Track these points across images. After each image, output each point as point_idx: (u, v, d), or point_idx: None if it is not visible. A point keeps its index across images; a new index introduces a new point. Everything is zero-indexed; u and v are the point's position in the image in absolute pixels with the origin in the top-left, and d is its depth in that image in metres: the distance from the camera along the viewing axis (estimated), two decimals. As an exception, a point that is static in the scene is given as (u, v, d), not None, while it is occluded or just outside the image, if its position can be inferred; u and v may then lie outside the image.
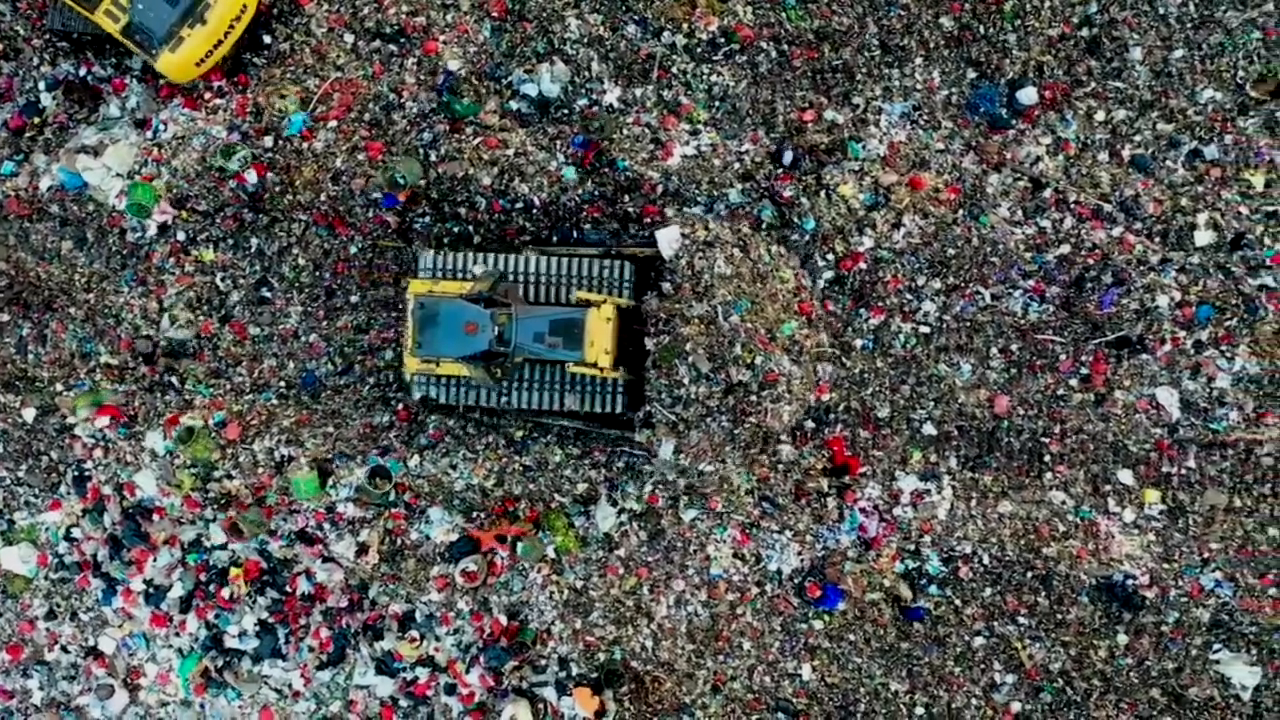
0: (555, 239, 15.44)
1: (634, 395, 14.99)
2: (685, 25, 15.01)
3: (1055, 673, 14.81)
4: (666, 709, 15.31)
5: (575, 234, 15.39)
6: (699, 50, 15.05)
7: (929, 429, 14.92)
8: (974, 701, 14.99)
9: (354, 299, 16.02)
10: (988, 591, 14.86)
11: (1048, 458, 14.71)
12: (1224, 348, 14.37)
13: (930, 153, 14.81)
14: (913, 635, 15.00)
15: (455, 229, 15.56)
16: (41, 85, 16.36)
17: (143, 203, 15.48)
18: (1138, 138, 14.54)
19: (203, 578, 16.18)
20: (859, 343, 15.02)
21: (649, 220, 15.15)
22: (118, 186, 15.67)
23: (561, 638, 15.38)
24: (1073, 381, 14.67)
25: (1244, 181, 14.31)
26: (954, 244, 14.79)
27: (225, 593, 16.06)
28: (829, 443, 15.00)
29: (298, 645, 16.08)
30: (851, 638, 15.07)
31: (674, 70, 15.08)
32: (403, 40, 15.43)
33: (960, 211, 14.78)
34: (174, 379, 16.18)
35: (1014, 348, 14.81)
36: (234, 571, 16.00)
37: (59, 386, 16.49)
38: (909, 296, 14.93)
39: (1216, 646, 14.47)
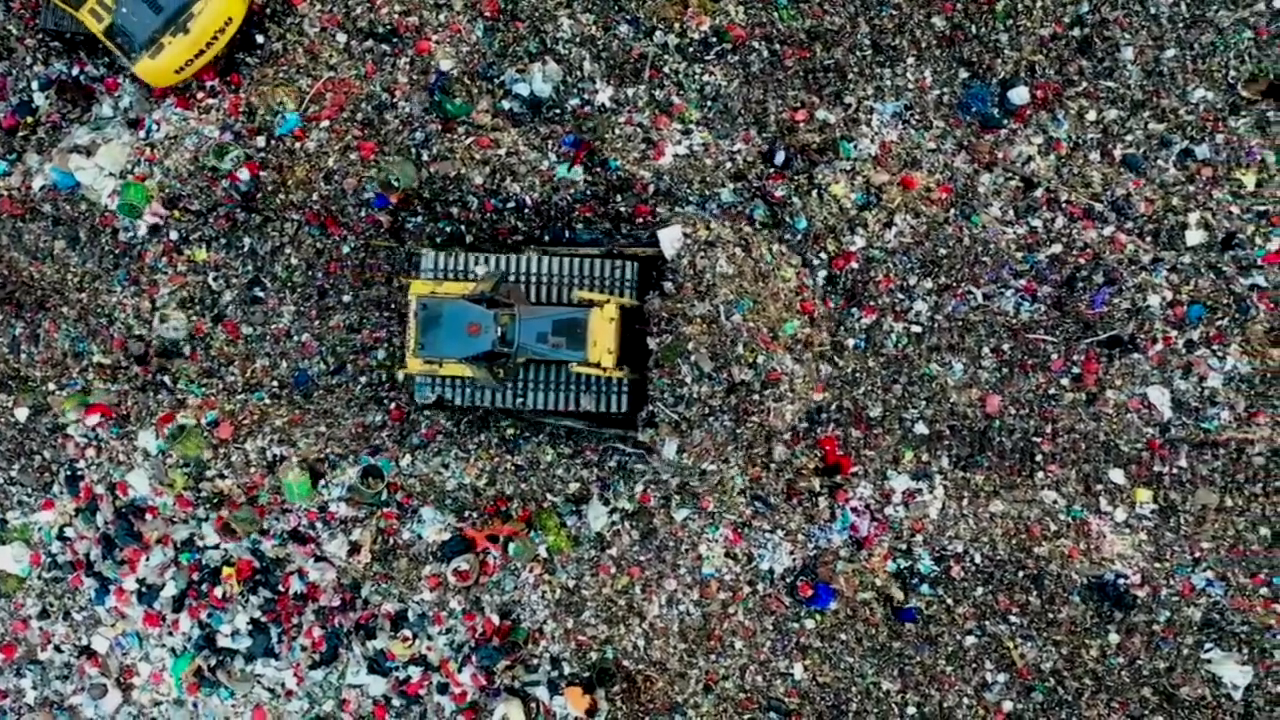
0: (547, 238, 15.45)
1: (637, 395, 15.00)
2: (677, 25, 15.02)
3: (1047, 672, 14.82)
4: (659, 708, 15.32)
5: (567, 233, 15.41)
6: (691, 50, 15.06)
7: (921, 428, 14.93)
8: (966, 701, 15.00)
9: (346, 298, 16.03)
10: (979, 591, 14.87)
11: (1039, 457, 14.73)
12: (1215, 347, 14.38)
13: (922, 152, 14.82)
14: (904, 635, 15.01)
15: (447, 229, 15.57)
16: (34, 85, 16.35)
17: (134, 203, 15.49)
18: (1129, 137, 14.55)
19: (195, 577, 16.19)
20: (851, 342, 15.04)
21: (641, 220, 15.17)
22: (110, 186, 15.68)
23: (554, 637, 15.39)
24: (1064, 381, 14.69)
25: (1235, 181, 14.33)
26: (946, 243, 14.80)
27: (218, 592, 16.07)
28: (821, 442, 15.01)
29: (290, 644, 16.09)
30: (843, 637, 15.08)
31: (666, 70, 15.09)
32: (395, 40, 15.43)
33: (952, 211, 14.79)
34: (166, 378, 16.19)
35: (1005, 347, 14.82)
36: (226, 571, 16.01)
37: (52, 386, 16.49)
38: (901, 296, 14.94)
39: (1208, 646, 14.48)
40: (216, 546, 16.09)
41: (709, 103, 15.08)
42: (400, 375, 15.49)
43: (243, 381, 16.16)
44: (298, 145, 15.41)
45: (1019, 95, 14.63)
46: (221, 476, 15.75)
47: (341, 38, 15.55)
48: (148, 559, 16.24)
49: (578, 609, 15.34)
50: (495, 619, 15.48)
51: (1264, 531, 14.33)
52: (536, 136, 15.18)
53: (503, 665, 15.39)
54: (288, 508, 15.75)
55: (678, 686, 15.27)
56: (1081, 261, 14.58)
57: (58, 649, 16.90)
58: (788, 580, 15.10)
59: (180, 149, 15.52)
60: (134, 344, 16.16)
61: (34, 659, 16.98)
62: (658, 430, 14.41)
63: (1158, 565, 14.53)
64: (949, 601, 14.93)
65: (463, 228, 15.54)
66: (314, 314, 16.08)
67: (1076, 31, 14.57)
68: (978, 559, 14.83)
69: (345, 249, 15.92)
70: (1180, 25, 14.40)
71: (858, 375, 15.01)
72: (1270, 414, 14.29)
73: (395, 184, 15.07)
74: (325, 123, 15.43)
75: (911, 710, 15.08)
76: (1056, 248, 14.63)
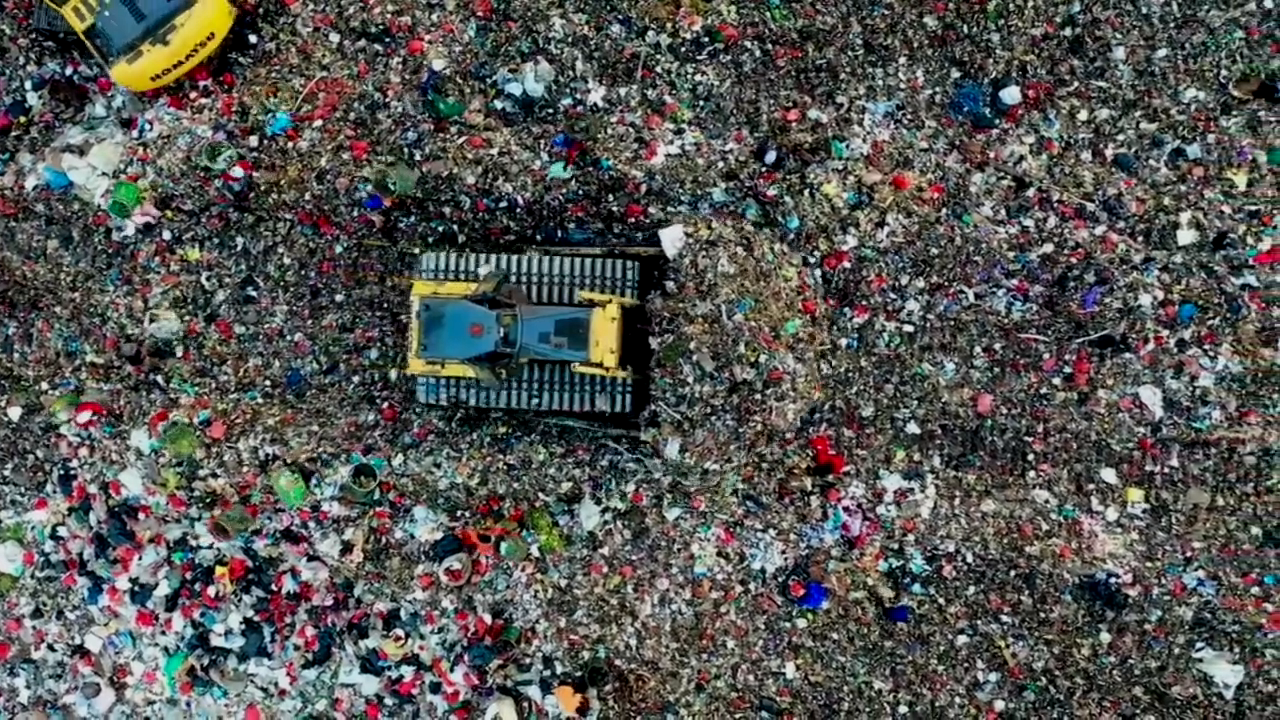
0: (540, 238, 15.46)
1: (639, 394, 15.01)
2: (669, 24, 15.03)
3: (1038, 671, 14.83)
4: (651, 707, 15.33)
5: (560, 233, 15.42)
6: (683, 49, 15.07)
7: (912, 428, 14.94)
8: (957, 700, 15.01)
9: (339, 298, 16.05)
10: (971, 590, 14.88)
11: (1031, 456, 14.74)
12: (1207, 347, 14.39)
13: (914, 152, 14.84)
14: (896, 634, 15.02)
15: (440, 228, 15.58)
16: (28, 85, 16.37)
17: (124, 202, 15.50)
18: (1121, 137, 14.56)
19: (188, 576, 16.20)
20: (843, 341, 15.05)
21: (634, 220, 15.18)
22: (103, 186, 15.69)
23: (546, 636, 15.40)
24: (1056, 380, 14.70)
25: (1226, 181, 14.34)
26: (937, 243, 14.82)
27: (211, 591, 16.08)
28: (813, 441, 15.02)
29: (283, 644, 16.11)
30: (835, 636, 15.09)
31: (658, 69, 15.09)
32: (388, 39, 15.44)
33: (944, 210, 14.80)
34: (159, 378, 16.20)
35: (997, 347, 14.83)
36: (219, 570, 16.02)
37: (44, 385, 16.51)
38: (893, 295, 14.95)
39: (1199, 645, 14.49)
40: (209, 546, 16.09)
41: (701, 102, 15.09)
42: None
43: (235, 381, 16.17)
44: (290, 145, 15.41)
45: (1011, 95, 14.64)
46: (214, 476, 15.76)
47: (334, 37, 15.56)
48: (141, 558, 16.26)
49: (570, 608, 15.35)
50: (487, 618, 15.49)
51: (1255, 531, 14.34)
52: (529, 136, 15.19)
53: (495, 664, 15.39)
54: (280, 507, 15.76)
55: (670, 685, 15.29)
56: (1073, 261, 14.59)
57: (51, 648, 16.91)
58: (780, 579, 15.11)
59: (173, 148, 15.52)
60: (127, 344, 16.18)
61: (27, 658, 16.99)
62: (660, 430, 14.41)
63: (1149, 564, 14.54)
64: (941, 601, 14.95)
65: (455, 227, 15.55)
66: (306, 313, 16.10)
67: (1068, 31, 14.58)
68: (969, 558, 14.85)
69: (338, 248, 15.94)
70: (1172, 25, 14.41)
71: (850, 375, 15.03)
72: (1261, 414, 14.30)
73: (393, 188, 15.08)
74: (318, 122, 15.44)
75: (903, 709, 15.09)
76: (1048, 247, 14.64)
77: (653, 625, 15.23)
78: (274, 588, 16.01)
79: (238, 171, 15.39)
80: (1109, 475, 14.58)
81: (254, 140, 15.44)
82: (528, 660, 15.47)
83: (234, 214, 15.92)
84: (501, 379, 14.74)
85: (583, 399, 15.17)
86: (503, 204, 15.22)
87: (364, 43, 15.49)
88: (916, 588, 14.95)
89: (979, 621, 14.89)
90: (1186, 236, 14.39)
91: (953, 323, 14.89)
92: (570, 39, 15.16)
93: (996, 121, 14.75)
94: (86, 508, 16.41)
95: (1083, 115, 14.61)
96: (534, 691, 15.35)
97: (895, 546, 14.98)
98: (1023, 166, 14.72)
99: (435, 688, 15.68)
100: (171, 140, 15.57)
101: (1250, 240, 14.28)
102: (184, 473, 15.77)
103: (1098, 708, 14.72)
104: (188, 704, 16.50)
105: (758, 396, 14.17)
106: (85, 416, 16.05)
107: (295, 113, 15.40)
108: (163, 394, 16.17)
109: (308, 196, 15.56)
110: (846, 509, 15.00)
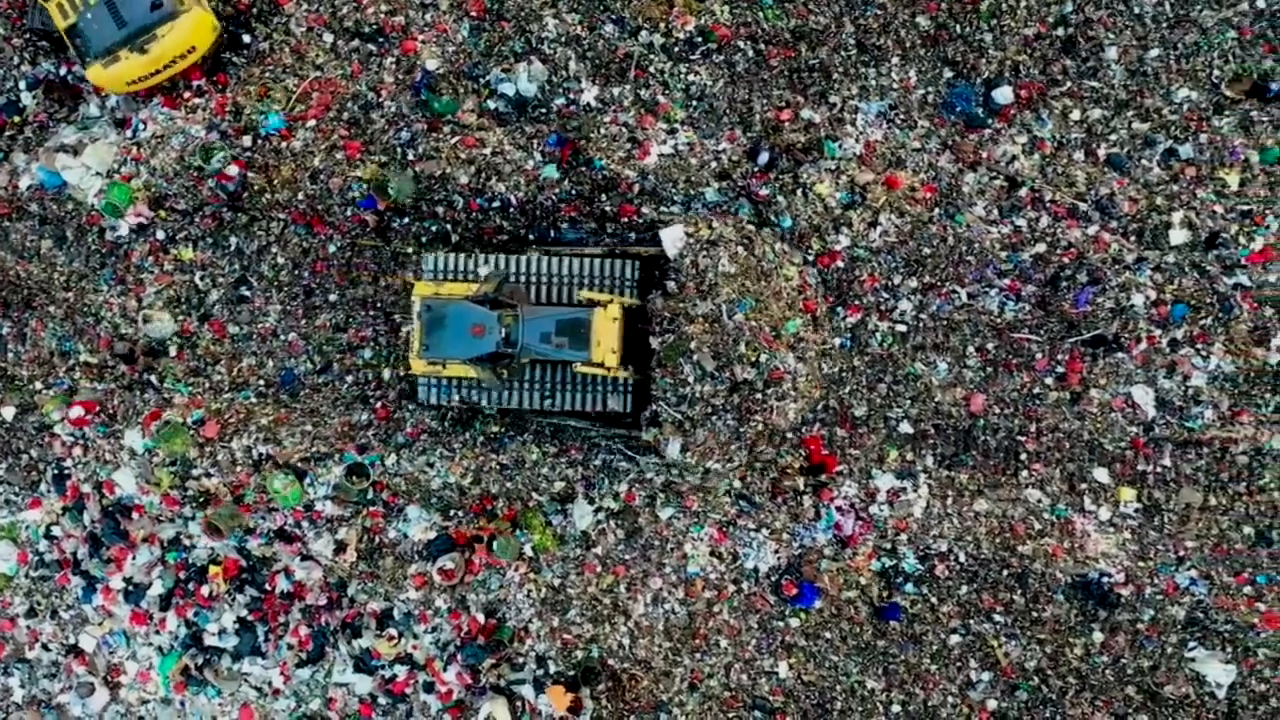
0: (533, 238, 15.47)
1: (640, 394, 15.02)
2: (663, 24, 15.04)
3: (1031, 670, 14.83)
4: (644, 707, 15.34)
5: (553, 233, 15.42)
6: (676, 49, 15.08)
7: (905, 427, 14.95)
8: (950, 699, 15.01)
9: (332, 298, 16.06)
10: (964, 589, 14.89)
11: (1023, 456, 14.75)
12: (1199, 346, 14.40)
13: (906, 152, 14.84)
14: (889, 633, 15.02)
15: (433, 228, 15.58)
16: (22, 84, 16.38)
17: (116, 203, 15.51)
18: (1113, 137, 14.57)
19: (182, 575, 16.21)
20: (837, 341, 15.05)
21: (626, 220, 15.18)
22: (97, 185, 15.70)
23: (539, 635, 15.40)
24: (1048, 380, 14.71)
25: (1219, 180, 14.35)
26: (930, 243, 14.82)
27: (205, 590, 16.08)
28: (806, 441, 15.03)
29: (277, 643, 16.11)
30: (828, 635, 15.10)
31: (651, 69, 15.10)
32: (381, 40, 15.46)
33: (936, 210, 14.81)
34: (153, 377, 16.21)
35: (990, 346, 14.84)
36: (213, 569, 16.02)
37: (38, 385, 16.51)
38: (886, 295, 14.96)
39: (1192, 644, 14.50)
40: (203, 545, 16.08)
41: (694, 102, 15.10)
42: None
43: (229, 380, 16.19)
44: (284, 145, 15.42)
45: (1003, 95, 14.65)
46: (208, 475, 15.77)
47: (328, 37, 15.57)
48: (134, 558, 16.26)
49: (563, 607, 15.36)
50: (481, 617, 15.50)
51: (1247, 530, 14.35)
52: (522, 136, 15.20)
53: (488, 664, 15.40)
54: (274, 506, 15.76)
55: (663, 685, 15.29)
56: (1065, 261, 14.60)
57: (45, 647, 16.92)
58: (772, 579, 15.12)
59: (166, 148, 15.53)
60: (120, 343, 16.18)
61: (22, 658, 17.00)
62: (661, 430, 14.41)
63: (1142, 564, 14.54)
64: (933, 600, 14.95)
65: (448, 227, 15.56)
66: (300, 313, 16.11)
67: (1061, 31, 14.59)
68: (962, 558, 14.85)
69: (331, 248, 15.95)
70: (1164, 25, 14.42)
71: (843, 374, 15.03)
72: (1254, 413, 14.31)
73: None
74: (311, 122, 15.45)
75: (896, 709, 15.10)
76: (1041, 247, 14.65)
77: (646, 625, 15.24)
78: (268, 587, 16.02)
79: (233, 170, 15.39)
80: (1101, 475, 14.59)
81: (247, 140, 15.44)
82: (521, 660, 15.48)
83: (227, 214, 15.94)
84: (503, 379, 14.75)
85: (584, 399, 15.18)
86: (496, 204, 15.23)
87: (357, 43, 15.51)
88: (909, 587, 14.95)
89: (972, 621, 14.90)
90: (1179, 236, 14.40)
91: (945, 322, 14.89)
92: (563, 39, 15.17)
93: (989, 121, 14.76)
94: (80, 507, 16.41)
95: (1075, 115, 14.61)
96: (527, 691, 15.36)
97: (888, 546, 14.98)
98: (1015, 166, 14.72)
99: (429, 687, 15.69)
100: (165, 140, 15.58)
101: (1242, 240, 14.29)
102: (178, 472, 15.77)
103: (1090, 707, 14.73)
104: (182, 703, 16.50)
105: (759, 396, 14.16)
106: (77, 413, 16.04)
107: (289, 112, 15.41)
108: (156, 393, 16.18)
109: (301, 196, 15.57)
110: (839, 508, 15.00)
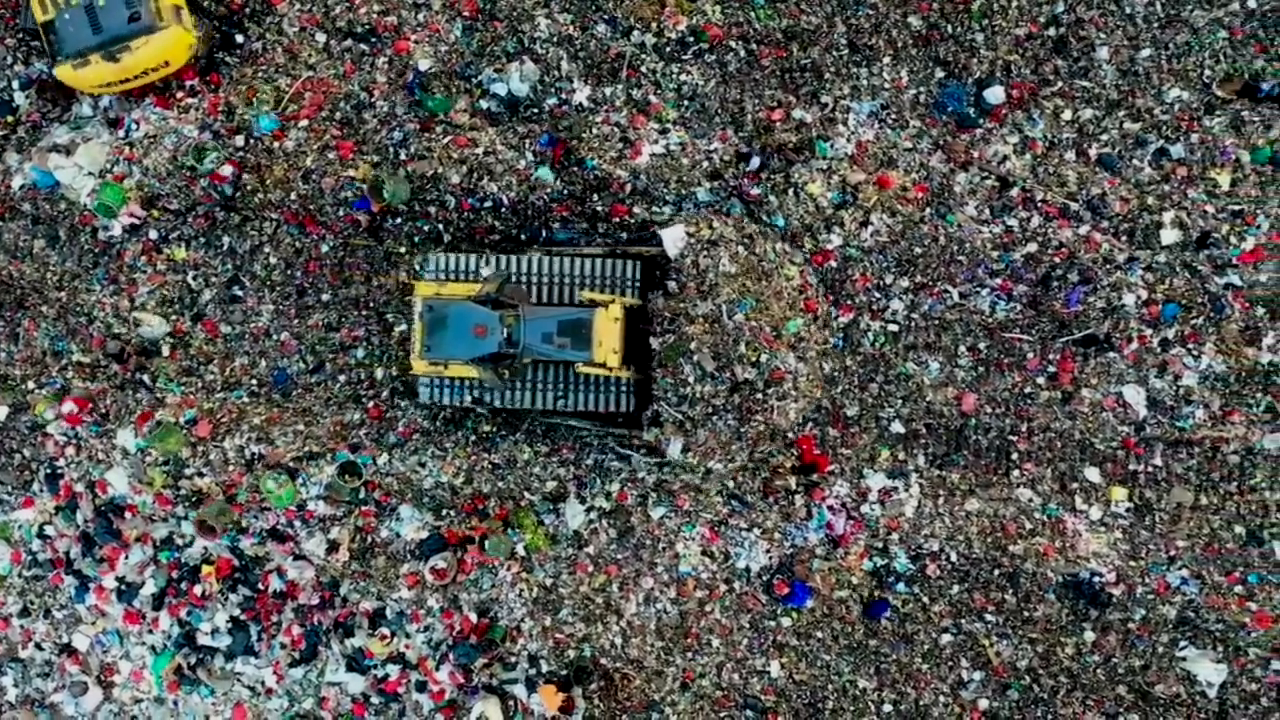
0: (525, 238, 15.48)
1: (642, 394, 15.03)
2: (654, 24, 15.05)
3: (1022, 670, 14.85)
4: (636, 706, 15.35)
5: (545, 233, 15.44)
6: (668, 49, 15.09)
7: (897, 427, 14.97)
8: (942, 699, 15.03)
9: (325, 297, 16.06)
10: (955, 589, 14.90)
11: (1015, 455, 14.77)
12: (1190, 346, 14.41)
13: (898, 151, 14.86)
14: (880, 633, 15.04)
15: (426, 228, 15.59)
16: (15, 84, 16.38)
17: (109, 203, 15.51)
18: (1104, 136, 14.58)
19: (175, 575, 16.22)
20: (830, 341, 15.06)
21: (618, 220, 15.20)
22: (89, 185, 15.70)
23: (531, 635, 15.42)
24: (1040, 380, 14.72)
25: (1210, 180, 14.37)
26: (921, 242, 14.84)
27: (198, 590, 16.09)
28: (798, 440, 15.04)
29: (270, 642, 16.12)
30: (819, 635, 15.11)
31: (643, 69, 15.12)
32: (374, 39, 15.47)
33: (928, 210, 14.83)
34: (145, 377, 16.22)
35: (981, 346, 14.85)
36: (206, 569, 16.03)
37: (31, 385, 16.52)
38: (877, 295, 14.98)
39: (1183, 644, 14.52)
40: (196, 544, 16.09)
41: (686, 102, 15.12)
42: (379, 375, 15.51)
43: (222, 380, 16.19)
44: (276, 144, 15.43)
45: (995, 95, 14.67)
46: (200, 475, 15.78)
47: (321, 37, 15.58)
48: (127, 557, 16.27)
49: (555, 607, 15.37)
50: (473, 617, 15.51)
51: (1238, 530, 14.37)
52: (514, 136, 15.22)
53: (480, 663, 15.41)
54: (266, 506, 15.78)
55: (655, 684, 15.31)
56: (1057, 260, 14.62)
57: (38, 647, 16.93)
58: (764, 578, 15.14)
59: (159, 148, 15.54)
60: (113, 342, 16.19)
61: (15, 657, 17.01)
62: (663, 430, 14.42)
63: (1133, 563, 14.56)
64: (925, 600, 14.97)
65: (441, 227, 15.57)
66: (293, 312, 16.12)
67: (1052, 31, 14.61)
68: (953, 557, 14.87)
69: (324, 248, 15.95)
70: (1155, 25, 14.44)
71: (835, 374, 15.05)
72: (1245, 413, 14.33)
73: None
74: (304, 122, 15.46)
75: (888, 708, 15.12)
76: (1032, 247, 14.67)
77: (638, 624, 15.25)
78: (260, 586, 16.03)
79: (227, 171, 15.39)
80: (1093, 474, 14.61)
81: (240, 140, 15.45)
82: (513, 659, 15.49)
83: (220, 213, 15.94)
84: (504, 380, 14.75)
85: (586, 399, 15.18)
86: (488, 204, 15.24)
87: (350, 42, 15.52)
88: (901, 586, 14.97)
89: (963, 620, 14.91)
90: (1170, 236, 14.42)
91: (937, 322, 14.91)
92: (555, 39, 15.19)
93: (980, 121, 14.77)
94: (73, 506, 16.42)
95: (1066, 115, 14.63)
96: (519, 690, 15.37)
97: (879, 545, 15.00)
98: (1007, 166, 14.74)
99: (421, 686, 15.70)
100: (158, 140, 15.59)
101: (1233, 240, 14.31)
102: (170, 471, 15.78)
103: (1081, 707, 14.74)
104: (175, 703, 16.51)
105: (759, 396, 14.17)
106: (70, 408, 16.04)
107: (281, 112, 15.42)
108: (149, 393, 16.18)
109: (293, 196, 15.58)
110: (831, 508, 15.02)
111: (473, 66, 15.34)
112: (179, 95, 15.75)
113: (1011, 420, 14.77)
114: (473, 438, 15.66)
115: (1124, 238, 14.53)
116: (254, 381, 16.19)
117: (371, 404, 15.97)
